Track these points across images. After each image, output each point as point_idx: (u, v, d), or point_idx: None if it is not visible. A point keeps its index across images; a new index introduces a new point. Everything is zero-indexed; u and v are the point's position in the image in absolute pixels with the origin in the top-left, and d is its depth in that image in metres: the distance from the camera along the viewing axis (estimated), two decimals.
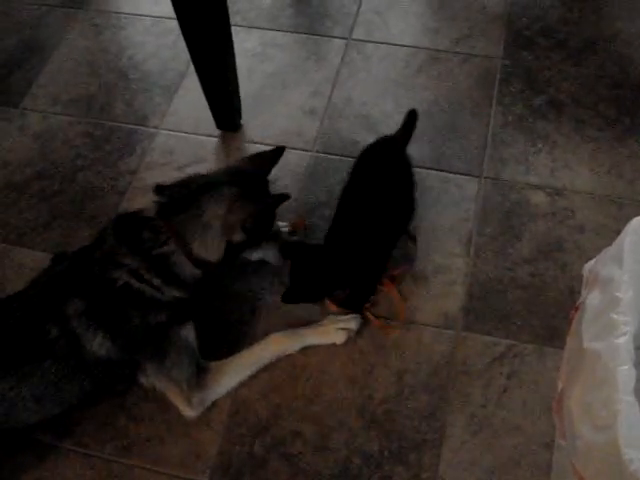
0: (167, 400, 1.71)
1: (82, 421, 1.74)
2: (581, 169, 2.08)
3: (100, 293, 1.62)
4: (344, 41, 2.44)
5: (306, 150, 2.17)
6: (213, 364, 1.74)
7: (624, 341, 1.15)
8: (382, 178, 1.78)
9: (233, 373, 1.76)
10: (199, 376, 1.71)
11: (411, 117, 1.86)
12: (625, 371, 1.13)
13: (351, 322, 1.81)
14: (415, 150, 1.88)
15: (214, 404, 1.74)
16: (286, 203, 2.00)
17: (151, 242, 1.63)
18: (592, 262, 1.39)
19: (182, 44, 2.02)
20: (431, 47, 2.40)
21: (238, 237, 1.65)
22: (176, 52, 2.44)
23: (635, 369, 1.14)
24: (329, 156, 2.15)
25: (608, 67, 2.32)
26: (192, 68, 2.12)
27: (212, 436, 1.70)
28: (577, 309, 1.37)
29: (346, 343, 1.79)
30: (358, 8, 2.52)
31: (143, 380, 1.71)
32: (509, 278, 1.89)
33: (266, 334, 1.80)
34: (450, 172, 2.08)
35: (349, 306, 1.83)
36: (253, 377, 1.77)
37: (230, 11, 1.94)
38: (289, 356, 1.79)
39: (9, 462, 1.68)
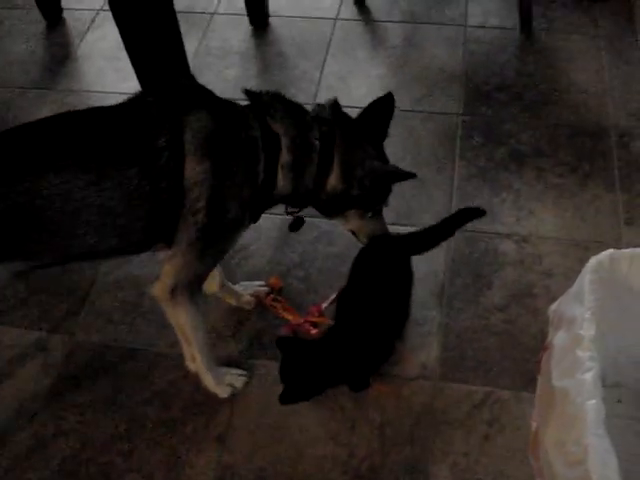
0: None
1: None
2: (545, 215, 2.14)
3: (229, 125, 1.55)
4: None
5: (278, 214, 2.19)
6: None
7: (590, 377, 1.19)
8: (381, 280, 1.78)
9: (194, 329, 1.70)
10: (192, 290, 1.63)
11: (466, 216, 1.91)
12: (593, 405, 1.15)
13: (238, 380, 1.82)
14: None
15: (201, 471, 1.72)
16: (260, 265, 2.04)
17: (314, 127, 1.63)
18: (556, 303, 1.43)
19: None
20: None
21: (356, 190, 1.69)
22: None
23: (604, 404, 1.17)
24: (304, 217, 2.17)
25: (565, 116, 2.41)
26: None
27: None
28: (546, 349, 1.40)
29: (326, 400, 1.79)
30: (320, 74, 2.60)
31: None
32: (482, 326, 1.92)
33: None
34: (419, 226, 2.12)
35: (356, 387, 1.80)
36: (236, 441, 1.76)
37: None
38: (268, 417, 1.79)
39: None
